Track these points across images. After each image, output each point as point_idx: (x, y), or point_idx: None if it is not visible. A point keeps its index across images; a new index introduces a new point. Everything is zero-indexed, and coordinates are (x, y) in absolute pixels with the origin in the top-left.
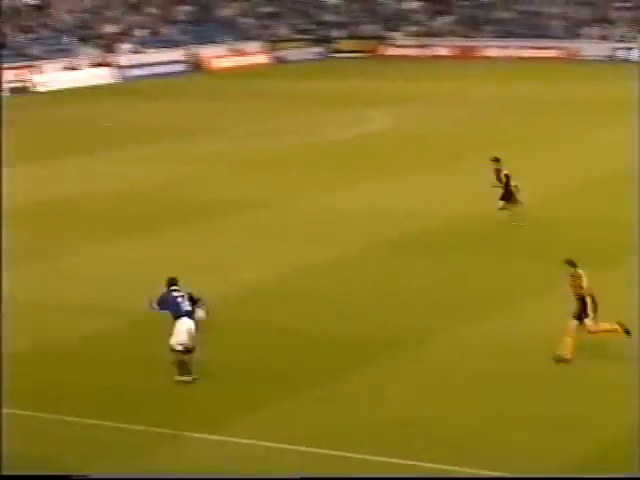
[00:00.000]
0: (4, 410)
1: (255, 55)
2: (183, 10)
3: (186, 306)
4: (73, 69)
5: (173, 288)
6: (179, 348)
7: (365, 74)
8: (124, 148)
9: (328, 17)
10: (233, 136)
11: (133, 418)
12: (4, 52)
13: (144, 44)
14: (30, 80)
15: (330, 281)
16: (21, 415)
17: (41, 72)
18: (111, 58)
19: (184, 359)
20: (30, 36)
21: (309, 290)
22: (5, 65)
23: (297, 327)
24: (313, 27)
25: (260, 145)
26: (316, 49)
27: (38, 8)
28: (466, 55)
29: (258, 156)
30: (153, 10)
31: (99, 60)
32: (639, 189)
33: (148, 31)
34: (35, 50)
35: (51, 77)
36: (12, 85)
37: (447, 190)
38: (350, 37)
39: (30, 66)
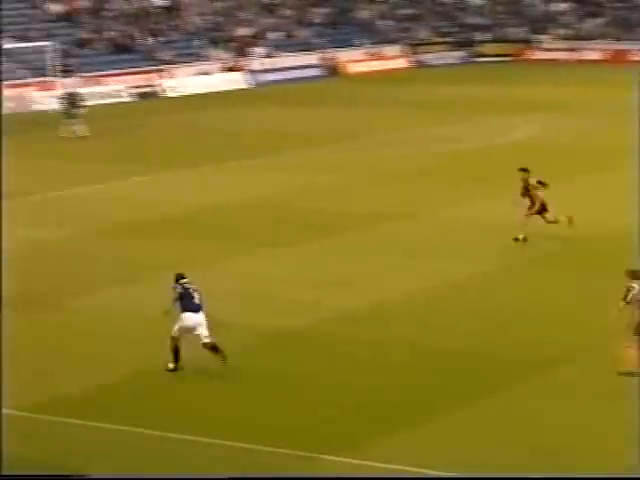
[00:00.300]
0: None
1: (394, 59)
2: (319, 12)
3: (196, 299)
4: (204, 74)
5: (183, 281)
6: (174, 334)
7: (510, 79)
8: (257, 156)
9: (471, 19)
10: (371, 144)
11: (269, 440)
12: (132, 56)
13: (278, 48)
14: (159, 85)
15: (472, 297)
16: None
17: (171, 76)
18: (243, 62)
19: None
20: (160, 39)
21: (451, 306)
22: (132, 69)
23: (437, 345)
24: (455, 30)
25: (399, 153)
26: (458, 53)
27: (168, 10)
28: (618, 59)
29: (396, 165)
30: (288, 12)
31: (231, 64)
32: None
33: (282, 34)
34: (165, 54)
35: (181, 82)
36: (140, 90)
37: (595, 204)
38: (494, 40)
39: (159, 70)
